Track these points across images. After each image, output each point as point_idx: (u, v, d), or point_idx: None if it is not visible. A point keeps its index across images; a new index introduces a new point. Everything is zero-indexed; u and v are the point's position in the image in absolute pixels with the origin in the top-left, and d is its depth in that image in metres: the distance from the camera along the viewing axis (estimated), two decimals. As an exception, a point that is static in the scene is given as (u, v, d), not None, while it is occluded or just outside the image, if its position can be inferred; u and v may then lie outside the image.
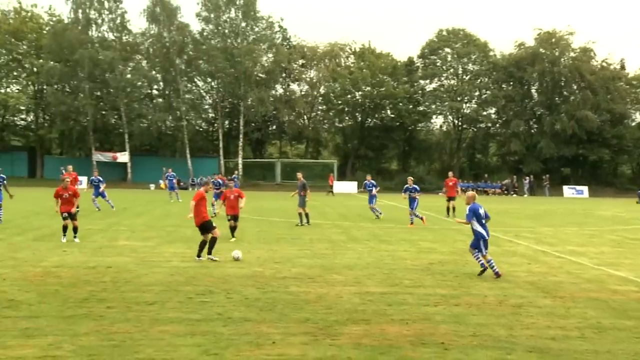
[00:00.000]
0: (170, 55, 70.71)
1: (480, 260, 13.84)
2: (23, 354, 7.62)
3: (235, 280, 12.69)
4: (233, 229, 19.54)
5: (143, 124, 72.08)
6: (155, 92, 78.55)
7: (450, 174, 33.96)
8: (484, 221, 14.01)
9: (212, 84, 76.84)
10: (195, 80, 77.55)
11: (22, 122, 78.93)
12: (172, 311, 9.94)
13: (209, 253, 15.21)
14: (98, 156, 70.36)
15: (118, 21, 71.65)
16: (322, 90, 79.23)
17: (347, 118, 79.70)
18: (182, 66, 72.91)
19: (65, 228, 18.22)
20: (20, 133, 79.32)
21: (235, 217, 19.62)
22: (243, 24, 72.35)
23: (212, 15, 71.84)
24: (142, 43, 74.69)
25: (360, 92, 75.51)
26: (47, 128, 73.48)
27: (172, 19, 70.81)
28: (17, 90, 73.52)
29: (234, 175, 28.64)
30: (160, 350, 7.88)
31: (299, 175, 27.02)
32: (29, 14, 73.92)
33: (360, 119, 78.96)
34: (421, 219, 26.26)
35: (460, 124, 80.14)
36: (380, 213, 29.56)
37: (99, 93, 72.37)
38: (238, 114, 73.26)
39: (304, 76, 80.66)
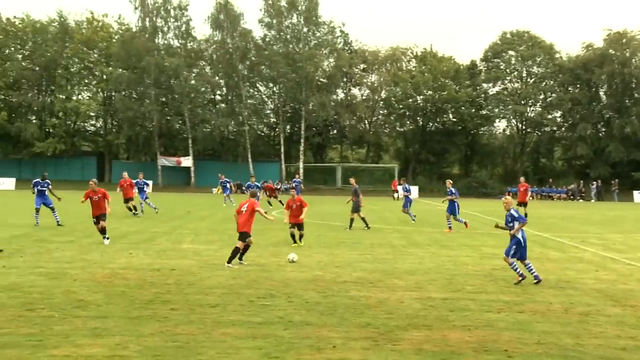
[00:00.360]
0: (233, 61, 71.76)
1: (518, 269, 13.31)
2: (92, 352, 7.85)
3: (296, 284, 12.77)
4: (300, 237, 19.37)
5: (206, 129, 73.30)
6: (218, 97, 79.86)
7: (522, 179, 33.71)
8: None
9: (274, 89, 77.68)
10: (258, 85, 78.53)
11: (92, 127, 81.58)
12: (234, 314, 10.06)
13: (240, 258, 15.25)
14: (163, 160, 71.97)
15: (183, 28, 73.23)
16: (383, 95, 79.02)
17: (408, 122, 79.17)
18: (244, 72, 73.86)
19: (103, 230, 18.76)
20: (90, 138, 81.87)
21: (299, 226, 19.38)
22: (305, 30, 72.84)
23: (274, 21, 72.62)
24: (206, 49, 76.13)
25: (421, 96, 75.03)
26: (115, 133, 75.55)
27: (235, 26, 71.84)
28: (87, 97, 76.01)
29: (294, 180, 28.05)
30: (222, 353, 7.99)
31: (352, 180, 27.05)
32: (100, 23, 76.34)
33: (421, 123, 78.36)
34: (464, 223, 25.68)
35: (524, 127, 78.56)
36: (415, 216, 28.81)
37: (164, 99, 74.02)
38: (299, 119, 73.72)
39: (365, 80, 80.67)
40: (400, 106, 76.35)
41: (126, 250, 17.02)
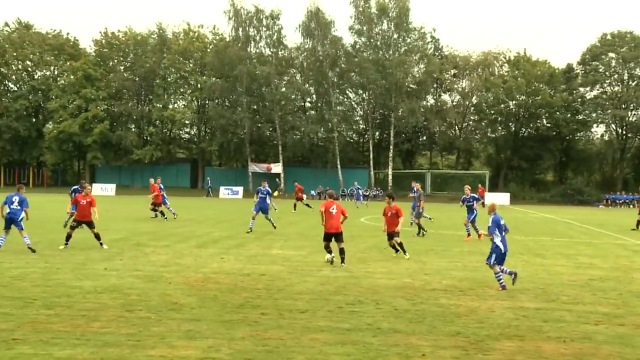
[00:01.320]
0: (323, 68, 72.36)
1: (502, 280, 13.17)
2: (186, 354, 8.10)
3: (385, 290, 12.73)
4: (398, 245, 17.83)
5: (296, 136, 74.19)
6: (308, 104, 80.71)
7: None
8: (503, 234, 13.50)
9: (364, 95, 77.81)
10: (347, 92, 78.87)
11: (186, 135, 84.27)
12: (323, 320, 10.14)
13: (342, 261, 15.74)
14: (253, 167, 73.37)
15: (275, 37, 74.50)
16: (474, 100, 77.70)
17: (500, 128, 77.41)
18: (334, 79, 74.32)
19: (68, 237, 18.29)
20: (185, 146, 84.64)
21: (392, 235, 17.75)
22: (395, 36, 72.59)
23: (364, 28, 72.78)
24: (297, 57, 77.16)
25: (514, 102, 73.26)
26: (208, 141, 77.62)
27: (326, 33, 72.43)
28: (182, 106, 78.64)
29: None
30: (311, 358, 8.08)
31: (417, 185, 26.86)
32: (196, 34, 78.89)
33: (514, 128, 76.50)
34: (477, 234, 23.08)
35: (624, 132, 75.21)
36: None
37: (255, 106, 75.52)
38: (388, 125, 73.47)
39: (455, 86, 79.58)
40: (492, 112, 74.78)
41: (218, 255, 17.45)
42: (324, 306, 11.13)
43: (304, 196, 43.85)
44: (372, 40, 73.19)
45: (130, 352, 8.11)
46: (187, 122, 78.27)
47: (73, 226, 18.54)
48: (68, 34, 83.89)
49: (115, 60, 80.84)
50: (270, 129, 75.28)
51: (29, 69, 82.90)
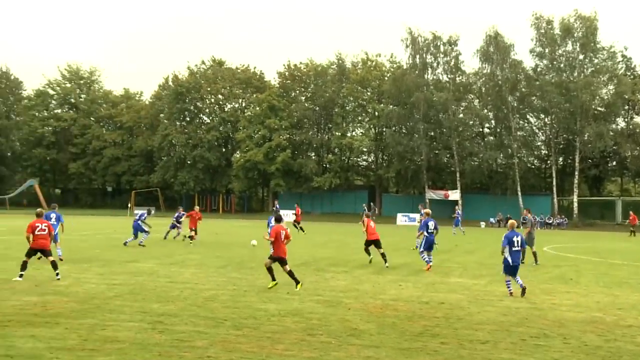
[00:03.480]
0: (502, 92, 70.63)
1: (510, 287, 15.38)
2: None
3: (572, 324, 12.02)
4: (381, 255, 21.56)
5: (474, 162, 72.81)
6: (486, 130, 79.03)
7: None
8: (514, 249, 15.41)
9: (546, 119, 74.69)
10: (528, 116, 76.21)
11: (364, 162, 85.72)
12: (506, 352, 9.77)
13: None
14: (430, 194, 72.83)
15: (452, 63, 74.04)
16: (675, 121, 71.60)
17: None
18: (514, 103, 72.25)
19: (24, 265, 16.16)
20: (362, 173, 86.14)
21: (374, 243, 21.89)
22: (581, 57, 69.22)
23: (546, 50, 70.18)
24: (475, 82, 76.05)
25: None
26: (385, 168, 78.40)
27: (505, 57, 70.81)
28: (360, 134, 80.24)
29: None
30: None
31: (526, 212, 25.70)
32: (374, 63, 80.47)
33: None
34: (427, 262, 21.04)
35: None
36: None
37: (432, 133, 75.22)
38: (573, 150, 69.87)
39: (650, 107, 73.85)
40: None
41: (396, 282, 17.46)
42: (506, 338, 10.74)
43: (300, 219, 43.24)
44: (555, 62, 70.35)
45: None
46: (364, 149, 79.67)
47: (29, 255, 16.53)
48: (255, 67, 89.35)
49: (297, 91, 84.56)
50: (448, 155, 74.54)
51: (220, 102, 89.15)
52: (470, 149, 72.96)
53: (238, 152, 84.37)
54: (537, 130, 77.74)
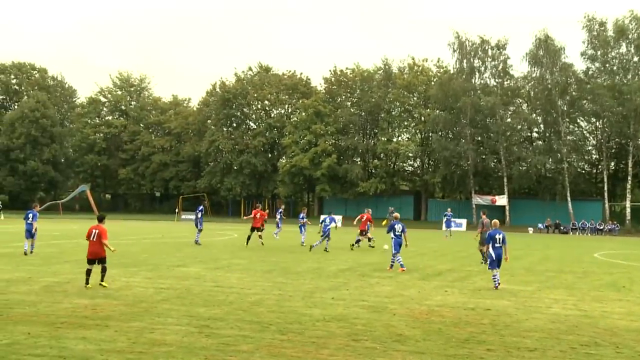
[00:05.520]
0: (551, 97, 69.47)
1: (496, 282, 17.21)
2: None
3: (625, 333, 11.72)
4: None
5: (522, 167, 71.72)
6: (535, 134, 77.85)
7: None
8: (497, 245, 17.20)
9: (597, 124, 73.11)
10: (578, 120, 74.73)
11: (410, 167, 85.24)
12: (554, 360, 9.61)
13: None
14: (477, 199, 71.97)
15: (500, 67, 73.22)
16: None
17: None
18: (564, 107, 70.93)
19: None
20: (408, 178, 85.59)
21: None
22: (635, 59, 67.60)
23: (598, 53, 68.73)
24: (523, 87, 75.01)
25: None
26: (431, 173, 77.81)
27: (555, 61, 69.68)
28: (406, 139, 79.85)
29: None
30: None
31: (482, 214, 25.34)
32: (420, 68, 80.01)
33: None
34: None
35: None
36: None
37: (479, 138, 74.40)
38: (626, 155, 68.22)
39: None
40: None
41: (442, 288, 17.32)
42: (555, 346, 10.54)
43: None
44: (607, 64, 68.88)
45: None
46: (410, 154, 79.17)
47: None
48: (301, 73, 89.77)
49: (343, 96, 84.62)
50: (495, 160, 73.61)
51: (267, 108, 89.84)
52: (518, 153, 71.84)
53: (284, 157, 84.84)
54: (587, 135, 76.19)
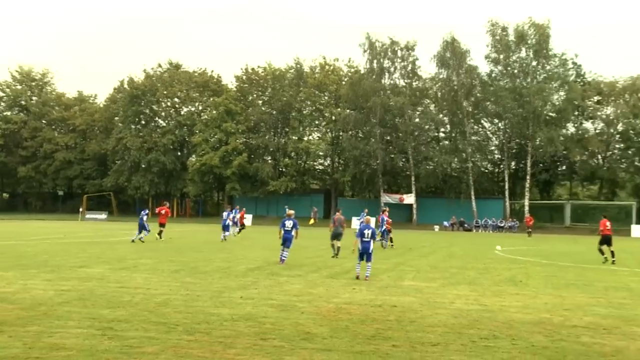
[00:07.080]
0: (458, 98, 71.66)
1: (358, 270, 18.91)
2: (316, 383, 8.14)
3: (521, 326, 12.21)
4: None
5: (429, 167, 73.63)
6: (442, 134, 80.00)
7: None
8: (365, 239, 18.73)
9: (499, 124, 76.01)
10: (482, 121, 77.43)
11: (320, 166, 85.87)
12: (456, 354, 9.87)
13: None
14: (386, 198, 73.38)
15: (409, 68, 74.91)
16: (620, 128, 73.59)
17: (650, 156, 72.63)
18: (469, 108, 73.37)
19: None
20: (318, 177, 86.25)
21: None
22: (534, 63, 70.70)
23: (501, 57, 71.49)
24: (431, 87, 76.95)
25: (666, 128, 68.66)
26: (341, 172, 78.71)
27: (461, 63, 71.92)
28: (317, 138, 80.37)
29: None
30: (442, 393, 7.88)
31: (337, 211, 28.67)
32: (331, 67, 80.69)
33: (667, 156, 71.52)
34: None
35: None
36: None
37: (388, 137, 75.83)
38: (525, 155, 71.29)
39: (599, 113, 75.73)
40: (640, 139, 70.42)
41: (350, 286, 17.49)
42: (456, 340, 10.84)
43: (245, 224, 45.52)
44: (509, 68, 71.73)
45: (263, 379, 8.25)
46: (321, 153, 79.80)
47: None
48: (212, 71, 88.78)
49: (254, 95, 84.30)
50: (403, 159, 75.23)
51: (177, 105, 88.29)
52: (425, 153, 73.76)
53: (194, 155, 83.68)
54: (490, 135, 79.08)
